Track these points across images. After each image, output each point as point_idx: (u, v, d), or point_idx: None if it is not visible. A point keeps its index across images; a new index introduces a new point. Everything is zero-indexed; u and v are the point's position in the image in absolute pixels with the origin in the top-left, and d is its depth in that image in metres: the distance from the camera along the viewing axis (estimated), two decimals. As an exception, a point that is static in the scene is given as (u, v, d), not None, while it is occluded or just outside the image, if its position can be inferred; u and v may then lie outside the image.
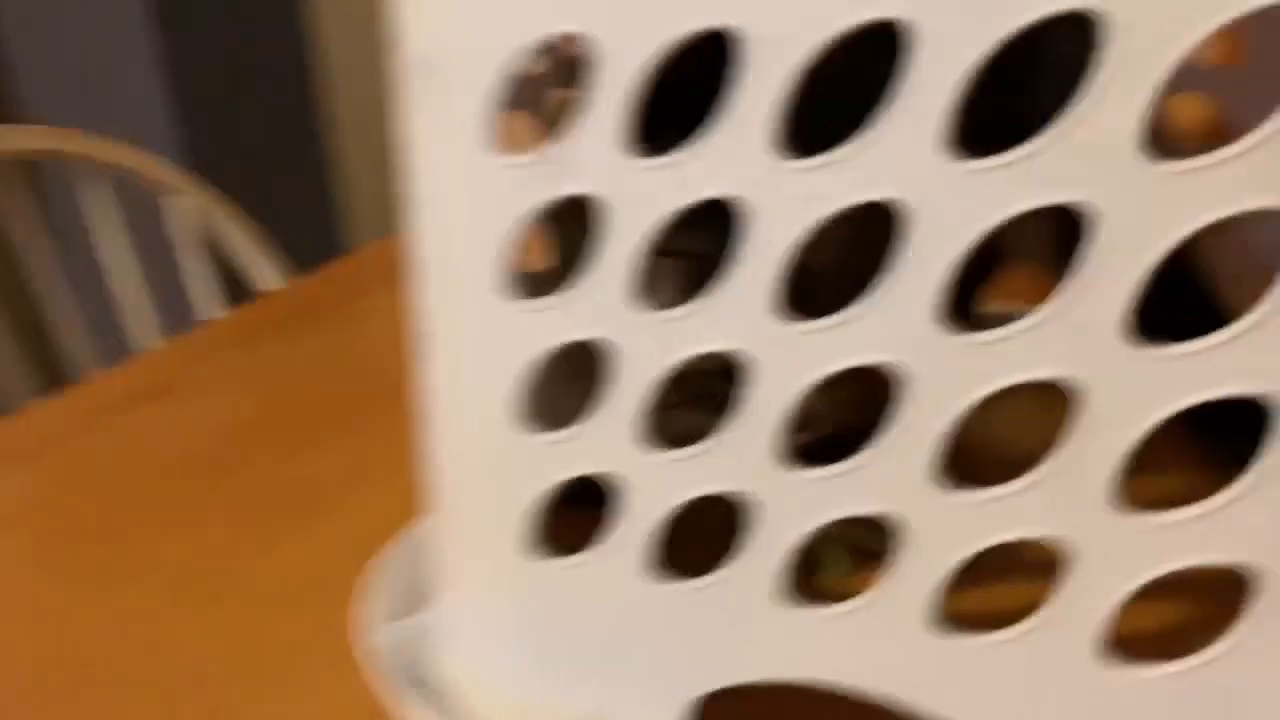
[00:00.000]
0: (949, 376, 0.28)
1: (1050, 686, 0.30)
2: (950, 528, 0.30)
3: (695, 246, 0.31)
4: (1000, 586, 0.35)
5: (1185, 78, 0.24)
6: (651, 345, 0.32)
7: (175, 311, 1.08)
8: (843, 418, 0.33)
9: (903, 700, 0.32)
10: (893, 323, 0.28)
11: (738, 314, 0.30)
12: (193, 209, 1.04)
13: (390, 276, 0.73)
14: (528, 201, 0.32)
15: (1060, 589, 0.28)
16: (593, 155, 0.31)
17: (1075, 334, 0.26)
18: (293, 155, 1.96)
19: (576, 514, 0.35)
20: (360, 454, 0.59)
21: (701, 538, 0.33)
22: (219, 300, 1.06)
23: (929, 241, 0.27)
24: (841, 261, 0.29)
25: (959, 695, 0.31)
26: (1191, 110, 0.44)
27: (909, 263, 0.27)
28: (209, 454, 0.60)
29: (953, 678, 0.31)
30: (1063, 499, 0.28)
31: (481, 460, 0.36)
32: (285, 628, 0.46)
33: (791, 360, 0.30)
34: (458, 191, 0.33)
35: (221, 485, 0.57)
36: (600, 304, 0.32)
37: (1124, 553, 0.27)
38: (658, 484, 0.33)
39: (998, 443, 0.36)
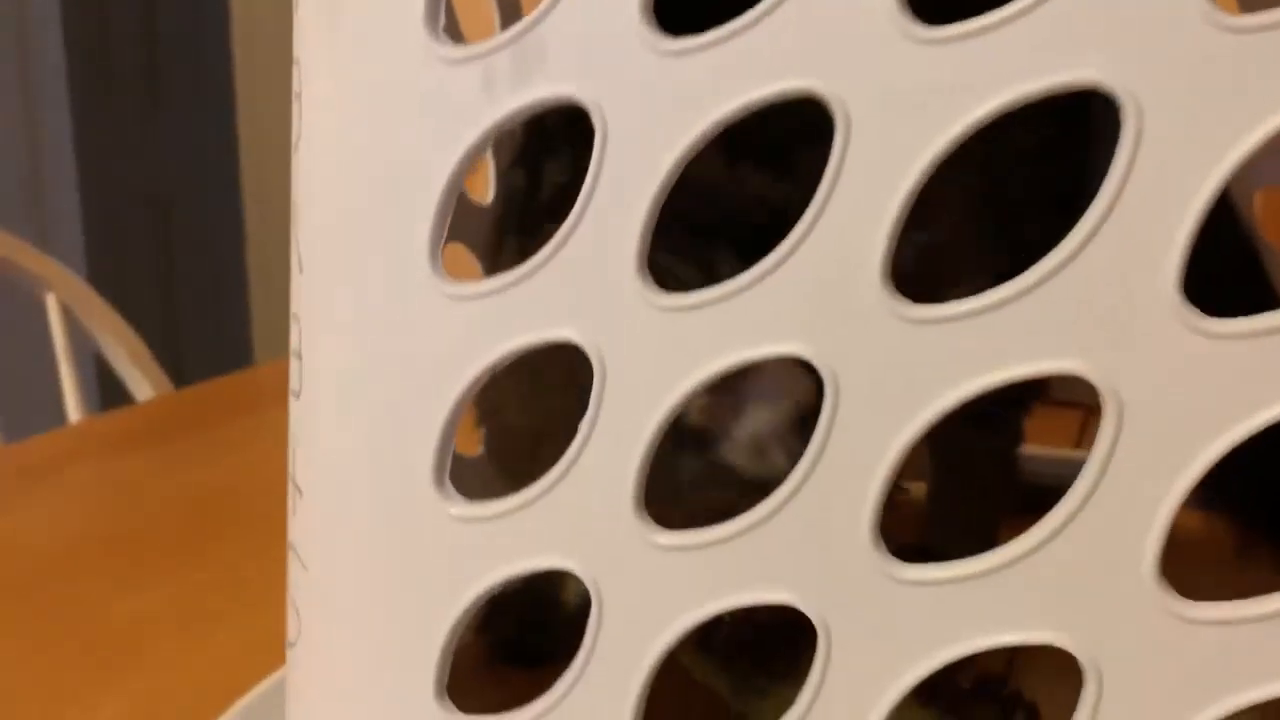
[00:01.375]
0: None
1: None
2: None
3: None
4: None
5: None
6: (666, 352, 0.20)
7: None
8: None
9: None
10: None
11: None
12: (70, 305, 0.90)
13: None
14: (484, 118, 0.20)
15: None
16: (588, 36, 0.19)
17: None
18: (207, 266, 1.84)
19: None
20: (206, 588, 0.46)
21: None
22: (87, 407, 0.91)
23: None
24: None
25: None
26: None
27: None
28: (28, 579, 0.49)
29: None
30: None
31: (374, 549, 0.23)
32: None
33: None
34: (373, 102, 0.21)
35: (36, 618, 0.43)
36: (586, 289, 0.20)
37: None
38: (667, 585, 0.20)
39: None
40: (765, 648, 0.32)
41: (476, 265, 0.35)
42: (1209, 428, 0.17)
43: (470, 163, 0.21)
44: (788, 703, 0.31)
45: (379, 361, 0.22)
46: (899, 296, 0.18)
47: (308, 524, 0.25)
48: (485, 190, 0.37)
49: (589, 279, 0.20)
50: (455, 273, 0.29)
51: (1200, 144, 0.16)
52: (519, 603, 0.23)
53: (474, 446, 0.38)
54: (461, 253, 0.35)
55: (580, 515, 0.20)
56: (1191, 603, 0.17)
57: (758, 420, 0.27)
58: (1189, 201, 0.17)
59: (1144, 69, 0.17)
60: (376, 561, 0.23)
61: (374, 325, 0.22)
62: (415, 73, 0.21)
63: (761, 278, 0.19)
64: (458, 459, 0.36)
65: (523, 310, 0.21)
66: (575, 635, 0.22)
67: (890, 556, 0.19)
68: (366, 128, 0.22)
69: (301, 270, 0.24)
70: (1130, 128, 0.17)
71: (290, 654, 0.27)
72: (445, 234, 0.22)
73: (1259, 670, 0.17)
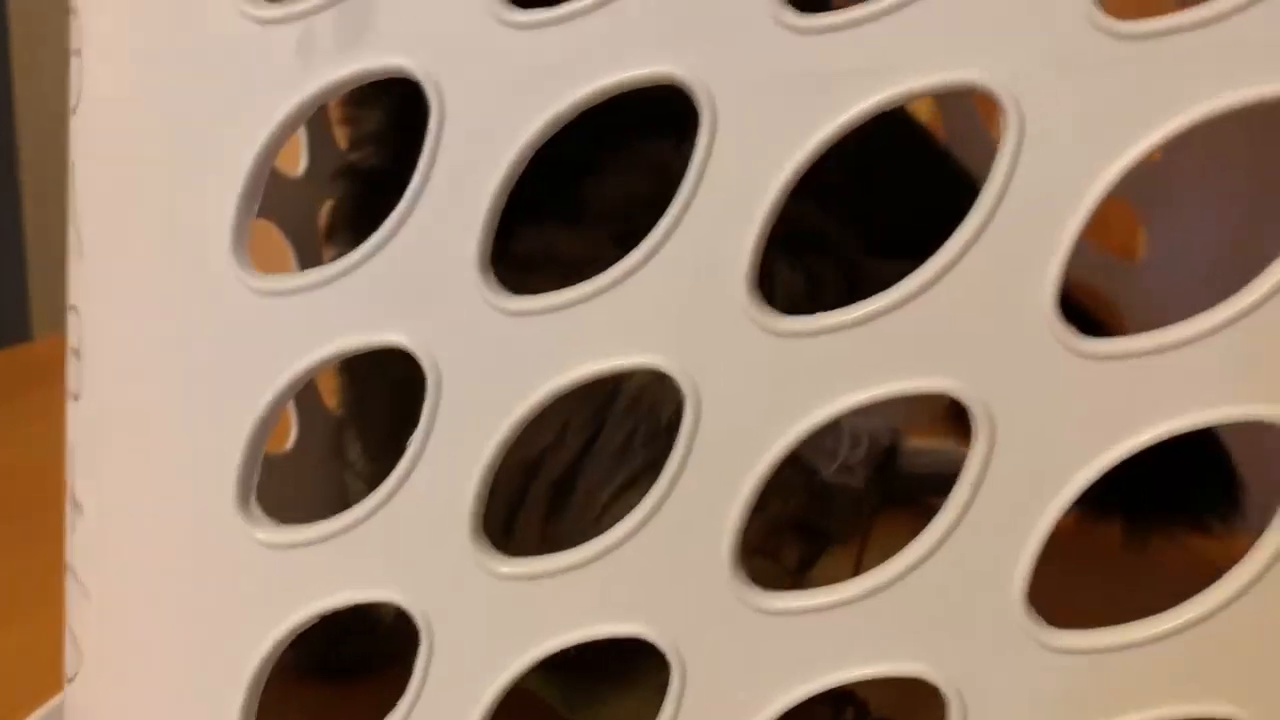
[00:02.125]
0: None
1: None
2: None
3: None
4: None
5: None
6: (511, 361, 0.18)
7: None
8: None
9: None
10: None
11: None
12: None
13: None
14: (300, 89, 0.18)
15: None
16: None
17: None
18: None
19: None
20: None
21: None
22: None
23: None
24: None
25: None
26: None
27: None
28: None
29: None
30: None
31: (168, 574, 0.20)
32: None
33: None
34: (168, 64, 0.18)
35: None
36: (418, 287, 0.18)
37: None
38: (508, 619, 0.18)
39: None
40: (596, 654, 0.31)
41: (288, 247, 0.32)
42: (1082, 450, 0.16)
43: (283, 140, 0.18)
44: (619, 711, 0.29)
45: (173, 364, 0.19)
46: (767, 306, 0.17)
47: (89, 545, 0.22)
48: (296, 161, 0.34)
49: (422, 276, 0.18)
50: (263, 253, 0.26)
51: (1083, 151, 0.16)
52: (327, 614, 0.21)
53: (283, 442, 0.34)
54: (271, 231, 0.31)
55: (410, 541, 0.18)
56: (1059, 631, 0.17)
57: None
58: (1070, 212, 0.16)
59: (1026, 71, 0.16)
60: (170, 592, 0.20)
61: (167, 322, 0.19)
62: (221, 31, 0.18)
63: (618, 281, 0.17)
64: (264, 461, 0.33)
65: (344, 309, 0.18)
66: (390, 646, 0.19)
67: (752, 585, 0.17)
68: (160, 93, 0.19)
69: (82, 255, 0.21)
70: (1012, 132, 0.16)
71: (69, 689, 0.23)
72: (250, 219, 0.19)
73: (1124, 697, 0.16)
